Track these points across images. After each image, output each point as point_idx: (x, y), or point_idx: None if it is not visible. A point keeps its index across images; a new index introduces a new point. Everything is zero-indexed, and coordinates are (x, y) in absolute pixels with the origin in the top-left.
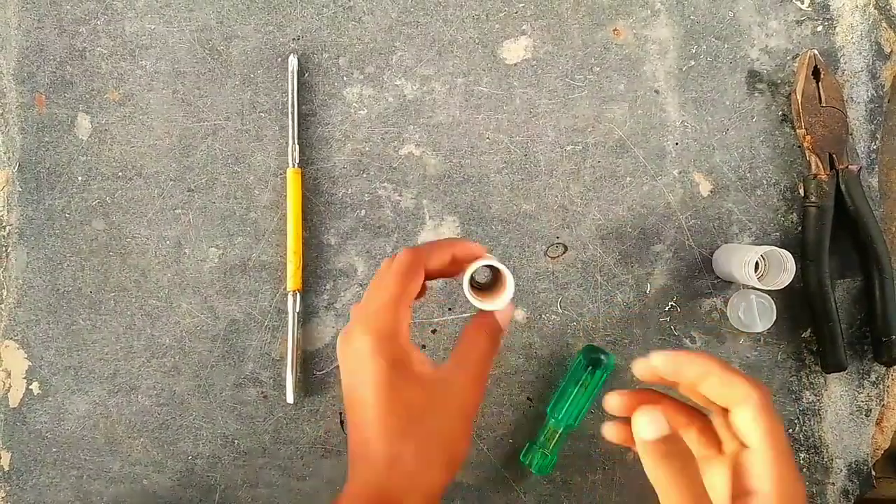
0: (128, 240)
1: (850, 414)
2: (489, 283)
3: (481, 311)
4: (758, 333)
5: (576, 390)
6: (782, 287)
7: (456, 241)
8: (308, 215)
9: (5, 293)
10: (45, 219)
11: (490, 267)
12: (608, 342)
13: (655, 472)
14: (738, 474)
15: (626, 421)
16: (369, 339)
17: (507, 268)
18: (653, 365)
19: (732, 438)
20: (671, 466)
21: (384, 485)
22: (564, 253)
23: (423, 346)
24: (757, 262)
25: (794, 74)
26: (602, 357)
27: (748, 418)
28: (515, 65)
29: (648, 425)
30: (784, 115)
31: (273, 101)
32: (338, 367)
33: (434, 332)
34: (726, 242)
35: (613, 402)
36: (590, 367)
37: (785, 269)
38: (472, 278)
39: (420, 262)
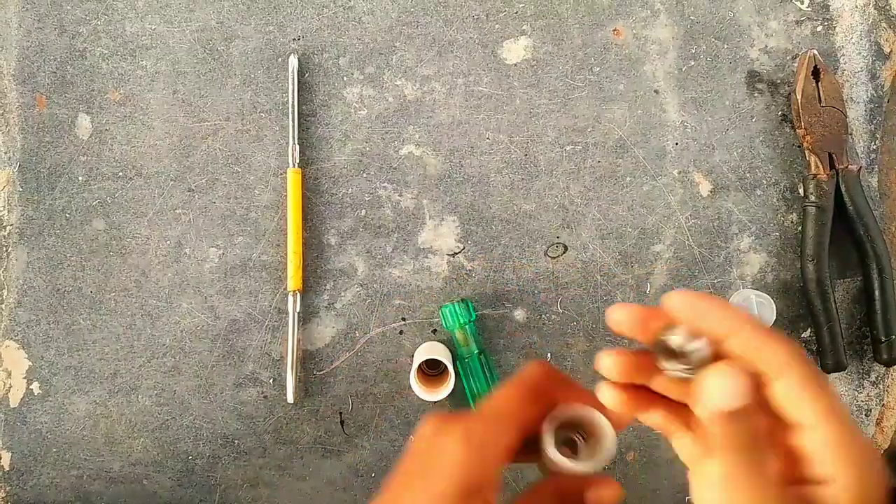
0: (128, 240)
1: (850, 413)
2: (573, 440)
3: (564, 475)
4: None
5: (472, 381)
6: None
7: (584, 391)
8: (308, 215)
9: (6, 293)
10: (46, 219)
11: (585, 423)
12: (608, 342)
13: (725, 463)
14: (792, 458)
15: (629, 386)
16: (462, 451)
17: (606, 422)
18: (667, 305)
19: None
20: (748, 455)
21: None
22: (564, 253)
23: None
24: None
25: (793, 74)
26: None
27: (794, 391)
28: (515, 65)
29: (727, 389)
30: (784, 115)
31: (273, 102)
32: (339, 366)
33: (434, 331)
34: (726, 242)
35: (609, 362)
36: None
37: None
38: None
39: (554, 380)
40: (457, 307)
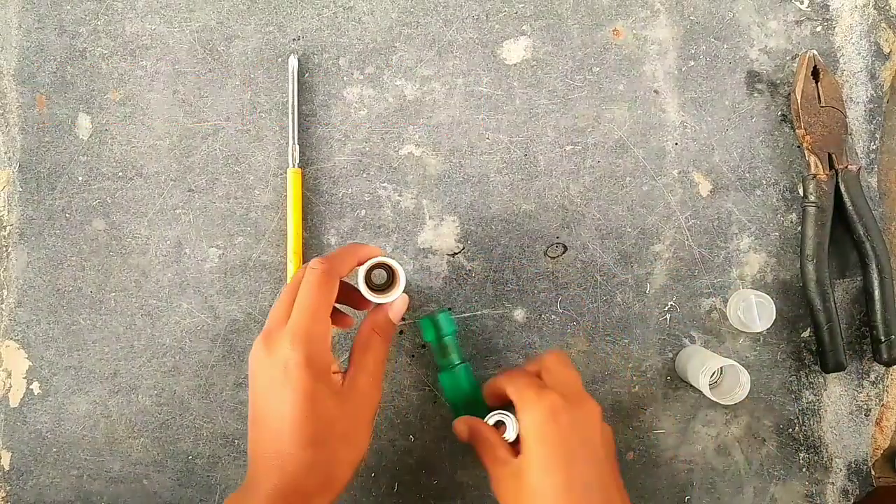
0: (128, 240)
1: (850, 413)
2: (387, 283)
3: (374, 307)
4: (757, 333)
5: (456, 392)
6: (733, 403)
7: (359, 245)
8: (308, 215)
9: (6, 293)
10: (46, 219)
11: (386, 266)
12: (608, 342)
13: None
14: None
15: None
16: (298, 352)
17: (400, 265)
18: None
19: None
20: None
21: (301, 487)
22: (564, 253)
23: (423, 346)
24: (714, 372)
25: (793, 75)
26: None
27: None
28: (515, 65)
29: None
30: (783, 115)
31: (273, 102)
32: None
33: None
34: (725, 242)
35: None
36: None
37: (740, 384)
38: (369, 278)
39: (333, 270)
40: (440, 318)
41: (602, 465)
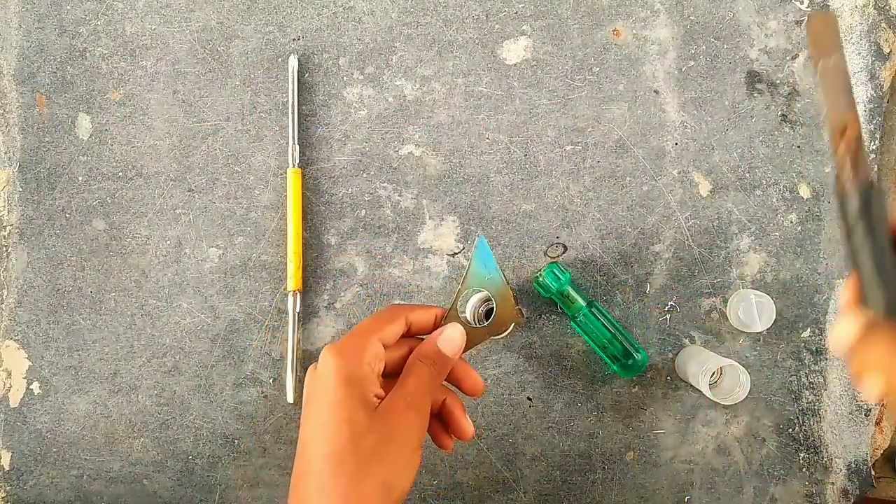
0: (128, 240)
1: (850, 413)
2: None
3: (422, 340)
4: (757, 333)
5: (594, 334)
6: (733, 403)
7: (436, 308)
8: (308, 215)
9: (6, 293)
10: (46, 219)
11: (489, 305)
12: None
13: None
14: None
15: None
16: (331, 361)
17: (495, 301)
18: None
19: None
20: None
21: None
22: (564, 253)
23: None
24: (714, 372)
25: (793, 74)
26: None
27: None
28: (515, 65)
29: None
30: (783, 115)
31: (273, 102)
32: None
33: None
34: (725, 242)
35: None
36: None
37: (740, 384)
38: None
39: (401, 311)
40: (555, 270)
41: None
